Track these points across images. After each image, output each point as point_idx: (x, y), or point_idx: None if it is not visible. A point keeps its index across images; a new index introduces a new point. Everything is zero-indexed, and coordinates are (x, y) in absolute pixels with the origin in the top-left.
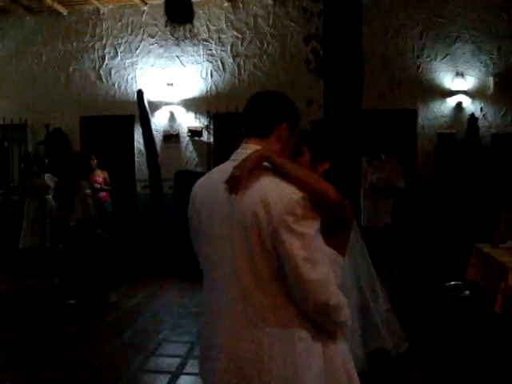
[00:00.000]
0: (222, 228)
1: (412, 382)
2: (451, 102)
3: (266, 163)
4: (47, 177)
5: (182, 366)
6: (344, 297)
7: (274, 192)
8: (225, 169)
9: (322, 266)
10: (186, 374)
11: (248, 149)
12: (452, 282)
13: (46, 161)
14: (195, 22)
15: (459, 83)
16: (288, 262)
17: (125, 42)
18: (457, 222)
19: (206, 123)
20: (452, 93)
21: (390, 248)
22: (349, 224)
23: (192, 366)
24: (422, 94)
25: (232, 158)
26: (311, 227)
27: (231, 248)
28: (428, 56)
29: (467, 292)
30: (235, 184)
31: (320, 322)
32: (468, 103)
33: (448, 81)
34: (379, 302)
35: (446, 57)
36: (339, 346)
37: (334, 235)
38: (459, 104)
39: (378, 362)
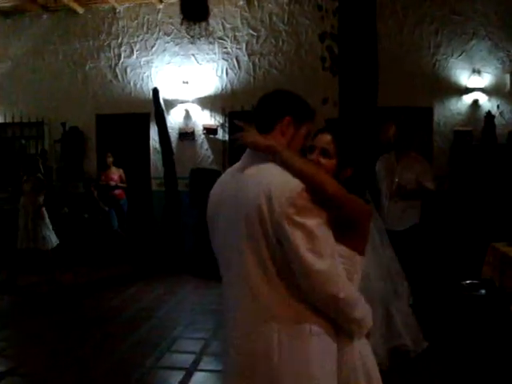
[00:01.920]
0: (230, 223)
1: (427, 381)
2: (467, 99)
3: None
4: (37, 178)
5: (196, 362)
6: (357, 293)
7: (277, 185)
8: (235, 166)
9: (329, 258)
10: (201, 370)
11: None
12: (467, 281)
13: (41, 161)
14: (210, 20)
15: (476, 80)
16: (293, 254)
17: (140, 41)
18: (473, 220)
19: (221, 121)
20: (468, 90)
21: (414, 249)
22: (357, 221)
23: (206, 363)
24: (437, 91)
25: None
26: (313, 219)
27: (239, 242)
28: (444, 53)
29: (483, 291)
30: (238, 137)
31: (333, 317)
32: (484, 101)
33: (464, 78)
34: (401, 301)
35: (462, 54)
36: (358, 344)
37: (348, 234)
38: (476, 101)
39: (398, 361)
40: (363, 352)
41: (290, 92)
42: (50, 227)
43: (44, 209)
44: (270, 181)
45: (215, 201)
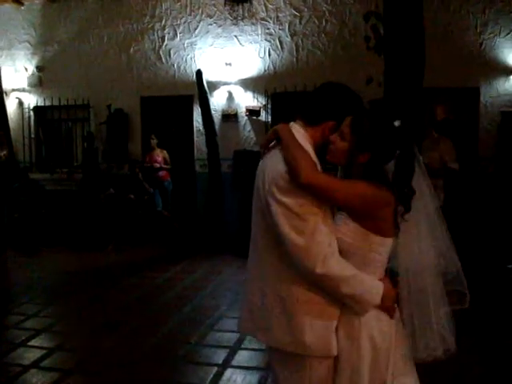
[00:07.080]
0: (254, 199)
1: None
2: None
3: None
4: None
5: (240, 341)
6: (351, 269)
7: (270, 166)
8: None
9: (309, 235)
10: (244, 348)
11: (293, 127)
12: None
13: None
14: (253, 1)
15: None
16: (277, 228)
17: (184, 23)
18: None
19: (263, 102)
20: None
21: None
22: (357, 207)
23: (250, 342)
24: (484, 71)
25: None
26: (293, 198)
27: (254, 215)
28: (491, 32)
29: None
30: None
31: (327, 292)
32: None
33: None
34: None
35: (510, 33)
36: (366, 319)
37: (358, 217)
38: None
39: None
40: (372, 326)
41: (345, 91)
42: None
43: None
44: (268, 160)
45: (257, 175)
